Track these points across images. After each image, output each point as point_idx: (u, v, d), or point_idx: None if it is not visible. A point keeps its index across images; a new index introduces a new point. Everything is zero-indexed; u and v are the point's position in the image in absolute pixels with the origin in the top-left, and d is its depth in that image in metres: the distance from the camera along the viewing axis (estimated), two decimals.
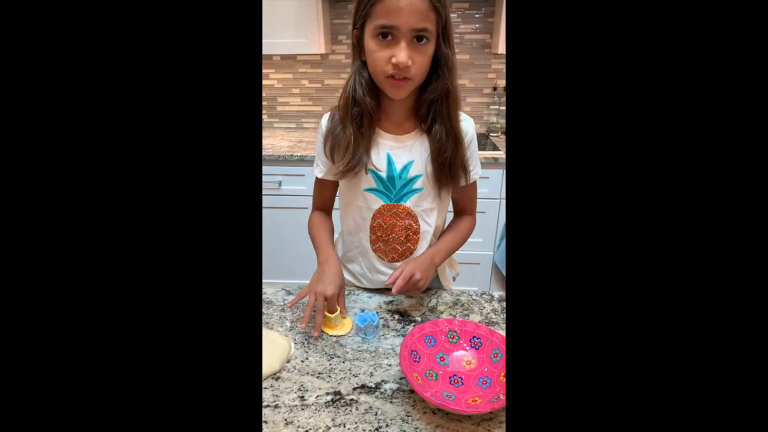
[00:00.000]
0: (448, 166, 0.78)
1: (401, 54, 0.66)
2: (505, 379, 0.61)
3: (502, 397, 0.57)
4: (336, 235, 0.94)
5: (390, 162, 0.80)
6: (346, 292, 0.88)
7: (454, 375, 0.65)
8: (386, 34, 0.66)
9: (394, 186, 0.81)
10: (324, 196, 0.91)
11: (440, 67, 0.72)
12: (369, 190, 0.82)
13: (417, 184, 0.81)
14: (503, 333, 0.70)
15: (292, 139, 2.14)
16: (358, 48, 0.73)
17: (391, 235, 0.84)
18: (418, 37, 0.66)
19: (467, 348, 0.68)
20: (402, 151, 0.79)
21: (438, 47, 0.70)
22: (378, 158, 0.80)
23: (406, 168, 0.80)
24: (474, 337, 0.69)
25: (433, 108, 0.75)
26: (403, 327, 0.77)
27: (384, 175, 0.80)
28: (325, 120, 0.82)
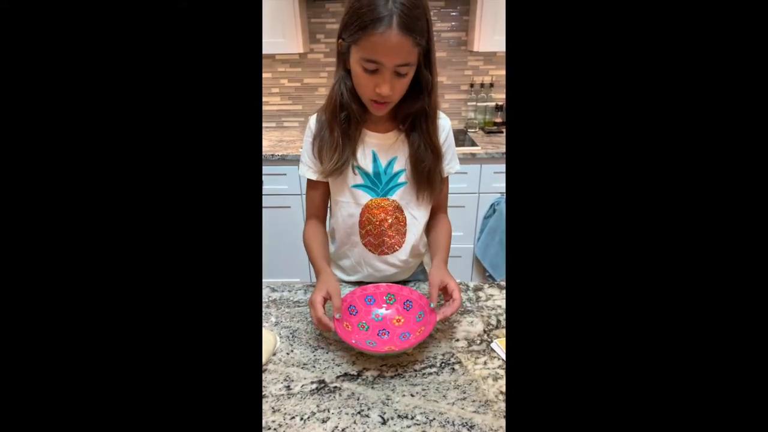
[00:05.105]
0: (426, 175, 0.83)
1: (384, 87, 0.71)
2: (420, 334, 0.71)
3: (409, 336, 0.73)
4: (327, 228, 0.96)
5: (375, 159, 0.84)
6: None
7: (383, 329, 0.77)
8: (371, 67, 0.70)
9: (380, 181, 0.85)
10: (315, 200, 0.92)
11: (421, 90, 0.77)
12: (356, 186, 0.86)
13: (401, 178, 0.86)
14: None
15: (273, 139, 2.15)
16: (343, 57, 0.76)
17: (380, 229, 0.88)
18: (401, 70, 0.71)
19: (400, 309, 0.80)
20: (386, 148, 0.84)
21: (419, 70, 0.74)
22: (364, 156, 0.84)
23: (390, 164, 0.85)
24: (407, 300, 0.80)
25: (410, 119, 0.81)
26: None
27: (370, 171, 0.85)
28: (312, 121, 0.86)
